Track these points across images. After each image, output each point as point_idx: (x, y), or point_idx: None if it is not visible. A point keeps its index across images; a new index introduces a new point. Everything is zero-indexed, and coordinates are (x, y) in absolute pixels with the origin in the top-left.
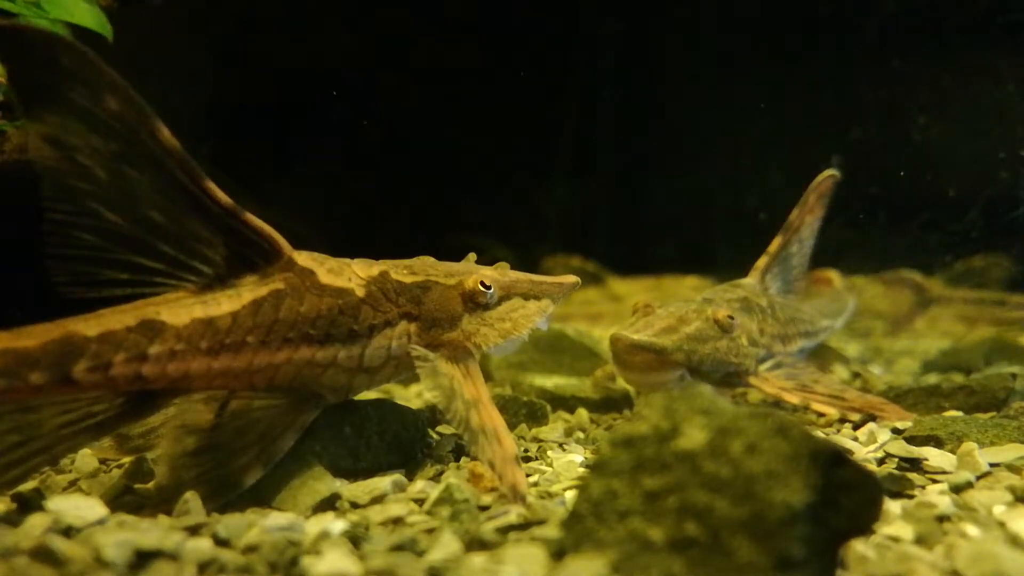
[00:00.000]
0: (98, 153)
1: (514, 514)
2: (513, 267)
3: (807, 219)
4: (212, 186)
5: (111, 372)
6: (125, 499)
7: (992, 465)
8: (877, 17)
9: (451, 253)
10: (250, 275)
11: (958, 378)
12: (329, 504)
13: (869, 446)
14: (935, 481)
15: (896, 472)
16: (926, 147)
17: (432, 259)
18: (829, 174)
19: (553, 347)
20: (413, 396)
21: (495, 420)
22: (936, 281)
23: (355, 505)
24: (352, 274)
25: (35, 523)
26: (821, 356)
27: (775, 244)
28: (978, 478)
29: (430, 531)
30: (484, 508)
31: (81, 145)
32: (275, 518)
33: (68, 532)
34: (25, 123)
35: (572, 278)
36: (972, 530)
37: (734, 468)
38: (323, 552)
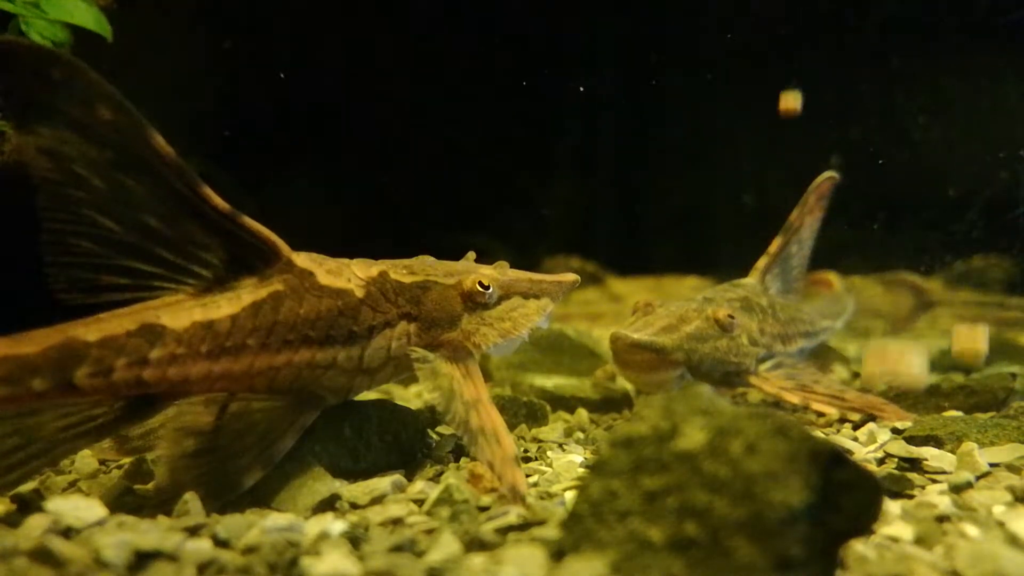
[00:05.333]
0: (93, 162)
1: (514, 515)
2: (513, 267)
3: (807, 220)
4: (208, 191)
5: (112, 377)
6: (125, 500)
7: (992, 465)
8: (877, 17)
9: (451, 253)
10: (249, 277)
11: (958, 378)
12: (329, 505)
13: (869, 446)
14: (935, 481)
15: (896, 472)
16: (926, 147)
17: (431, 259)
18: (828, 175)
19: (553, 347)
20: (413, 396)
21: (495, 420)
22: (936, 283)
23: (355, 506)
24: (351, 275)
25: (34, 524)
26: (821, 356)
27: (775, 244)
28: (978, 478)
29: (430, 532)
30: (484, 509)
31: (76, 155)
32: (275, 519)
33: (67, 533)
34: (19, 135)
35: (571, 276)
36: (972, 530)
37: (733, 468)
38: (323, 553)
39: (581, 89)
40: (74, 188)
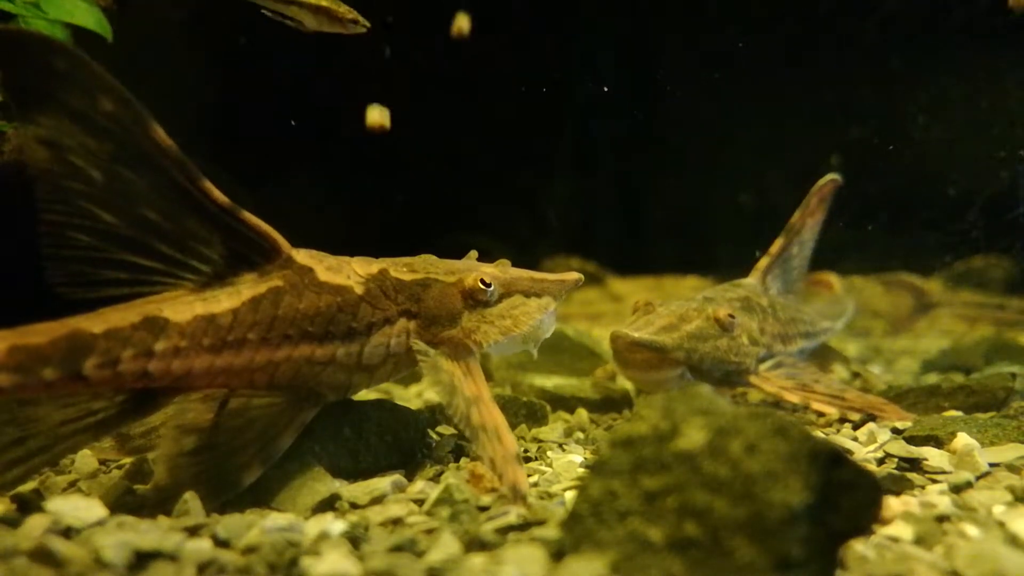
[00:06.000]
0: (93, 154)
1: (514, 514)
2: (514, 266)
3: (808, 222)
4: (209, 185)
5: (119, 368)
6: (125, 500)
7: (992, 465)
8: (877, 17)
9: (452, 253)
10: (248, 273)
11: (958, 378)
12: (328, 505)
13: (869, 446)
14: (935, 481)
15: (896, 472)
16: (926, 147)
17: (433, 257)
18: (831, 178)
19: (553, 347)
20: (413, 396)
21: (496, 418)
22: (936, 284)
23: (355, 506)
24: (351, 272)
25: (34, 524)
26: (821, 356)
27: (776, 245)
28: (978, 478)
29: (430, 532)
30: (484, 508)
31: (76, 147)
32: (274, 519)
33: (67, 533)
34: (20, 126)
35: (574, 275)
36: (972, 530)
37: (733, 468)
38: (322, 553)
39: (582, 89)
40: (73, 180)
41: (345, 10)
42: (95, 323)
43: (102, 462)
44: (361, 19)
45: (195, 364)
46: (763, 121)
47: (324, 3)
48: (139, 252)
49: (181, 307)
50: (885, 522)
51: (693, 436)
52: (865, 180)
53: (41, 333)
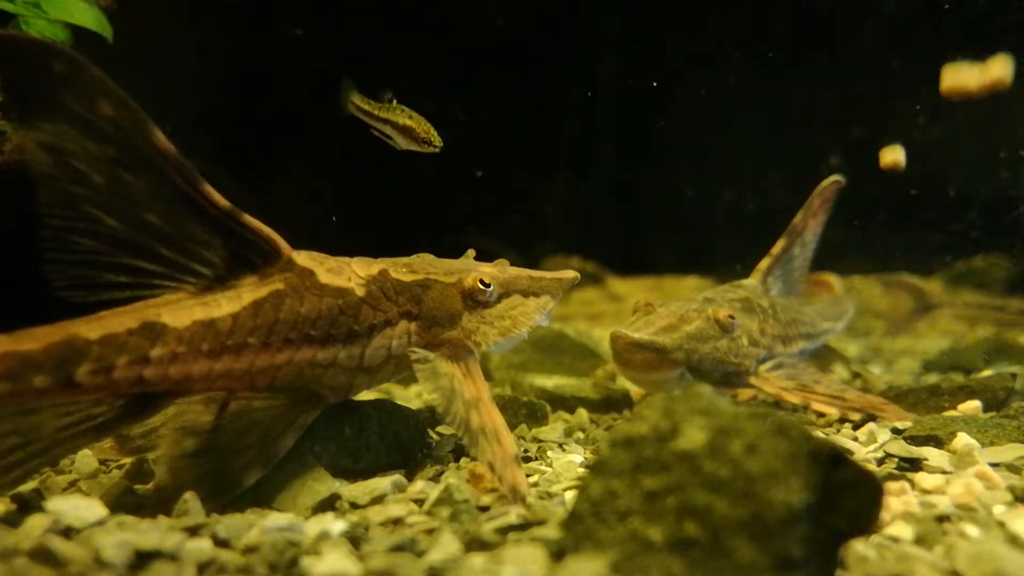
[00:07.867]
0: (94, 158)
1: (514, 514)
2: (513, 265)
3: (810, 223)
4: (209, 188)
5: (113, 375)
6: (125, 500)
7: (992, 465)
8: (877, 17)
9: (451, 252)
10: (250, 276)
11: (958, 378)
12: (329, 504)
13: (869, 446)
14: None
15: (896, 472)
16: (926, 147)
17: (431, 257)
18: (834, 179)
19: (553, 347)
20: (413, 396)
21: (495, 420)
22: (936, 285)
23: (355, 505)
24: (352, 273)
25: (35, 524)
26: (821, 356)
27: (778, 246)
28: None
29: (430, 531)
30: (484, 508)
31: (77, 151)
32: (275, 518)
33: (68, 533)
34: (20, 130)
35: (571, 273)
36: (972, 530)
37: (734, 468)
38: (323, 552)
39: (581, 89)
40: (74, 184)
41: (423, 131)
42: (92, 328)
43: (102, 462)
44: (435, 140)
45: (193, 369)
46: (764, 121)
47: (409, 123)
48: (140, 255)
49: (180, 312)
50: (885, 522)
51: (693, 436)
52: (865, 180)
53: (36, 339)
